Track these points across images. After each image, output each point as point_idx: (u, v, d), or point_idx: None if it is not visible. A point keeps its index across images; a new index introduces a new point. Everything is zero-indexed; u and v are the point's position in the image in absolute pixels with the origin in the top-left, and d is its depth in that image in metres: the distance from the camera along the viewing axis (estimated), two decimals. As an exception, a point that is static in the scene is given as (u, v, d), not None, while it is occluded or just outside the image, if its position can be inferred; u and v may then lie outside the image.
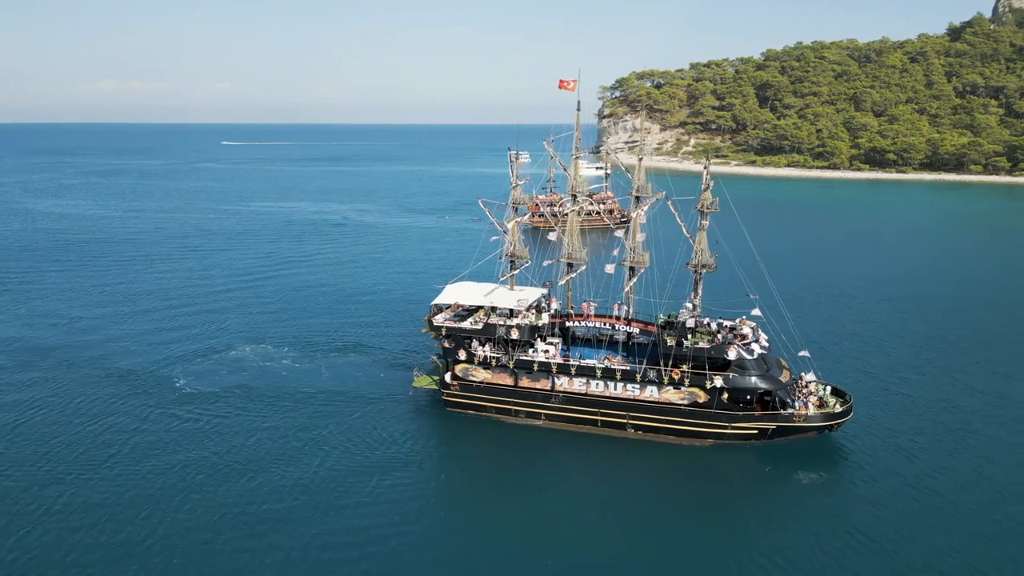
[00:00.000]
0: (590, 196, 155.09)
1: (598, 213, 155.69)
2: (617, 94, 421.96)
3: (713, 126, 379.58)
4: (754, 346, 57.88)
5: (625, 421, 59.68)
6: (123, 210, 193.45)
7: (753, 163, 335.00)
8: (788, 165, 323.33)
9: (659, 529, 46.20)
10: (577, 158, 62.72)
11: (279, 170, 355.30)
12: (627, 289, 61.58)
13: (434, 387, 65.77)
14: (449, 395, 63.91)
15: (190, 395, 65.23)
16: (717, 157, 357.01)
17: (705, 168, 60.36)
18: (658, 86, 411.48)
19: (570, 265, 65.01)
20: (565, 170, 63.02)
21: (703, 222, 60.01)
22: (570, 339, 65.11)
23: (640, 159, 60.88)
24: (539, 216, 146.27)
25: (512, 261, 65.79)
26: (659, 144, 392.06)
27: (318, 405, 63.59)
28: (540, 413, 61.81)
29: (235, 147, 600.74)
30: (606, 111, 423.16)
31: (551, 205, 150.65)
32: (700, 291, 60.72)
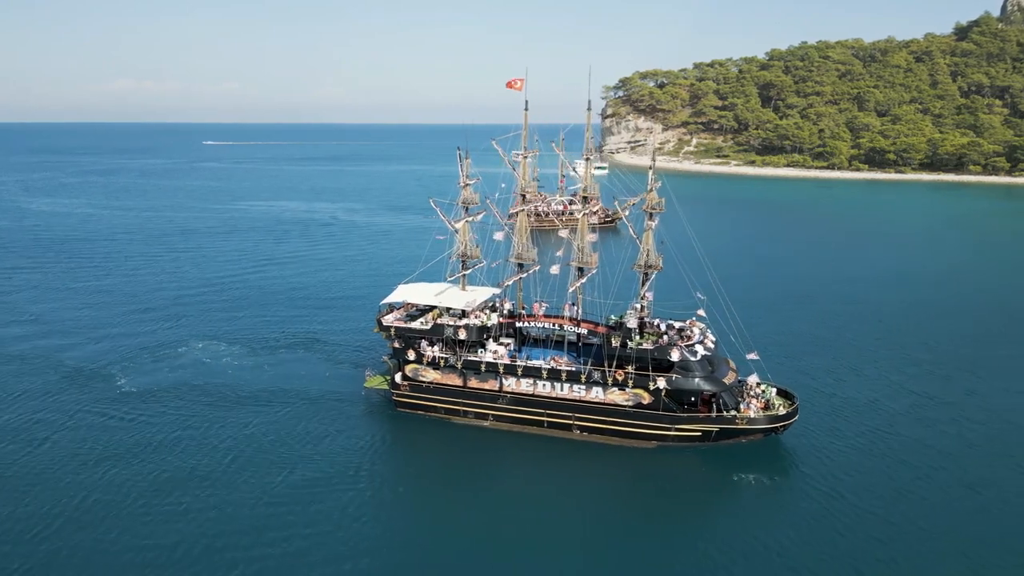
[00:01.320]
0: (573, 196, 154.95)
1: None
2: (620, 94, 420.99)
3: (715, 126, 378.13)
4: (698, 347, 57.38)
5: (571, 422, 59.30)
6: (113, 208, 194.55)
7: (753, 163, 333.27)
8: (787, 165, 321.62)
9: (600, 533, 45.61)
10: (525, 158, 62.33)
11: (279, 169, 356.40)
12: (571, 289, 61.18)
13: (385, 387, 65.49)
14: (399, 395, 63.70)
15: (127, 394, 64.89)
16: (718, 157, 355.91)
17: (651, 169, 59.91)
18: (661, 86, 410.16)
19: (520, 265, 64.70)
20: (513, 170, 62.63)
21: (649, 223, 59.59)
22: (523, 340, 64.85)
23: (587, 159, 60.45)
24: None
25: (463, 261, 65.55)
26: (661, 144, 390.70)
27: (264, 405, 63.24)
28: (488, 414, 61.51)
29: (234, 147, 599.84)
30: (609, 111, 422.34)
31: (534, 205, 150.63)
32: (648, 292, 60.27)
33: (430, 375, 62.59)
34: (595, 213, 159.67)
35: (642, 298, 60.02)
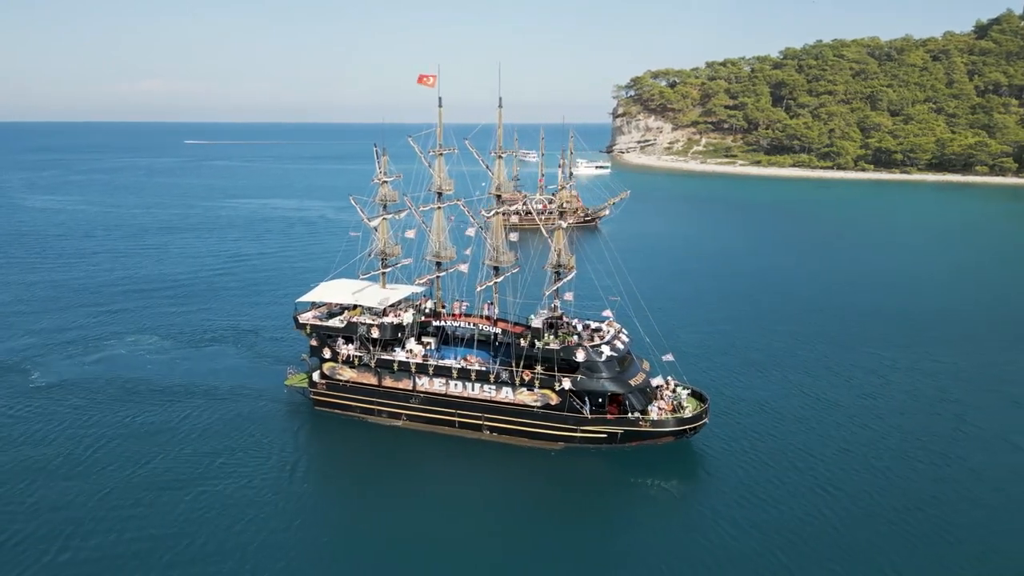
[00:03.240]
0: (552, 195, 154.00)
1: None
2: (631, 93, 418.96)
3: (725, 125, 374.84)
4: (604, 348, 56.33)
5: (480, 423, 58.64)
6: (105, 205, 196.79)
7: (759, 163, 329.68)
8: (793, 165, 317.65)
9: (502, 537, 44.82)
10: (441, 154, 61.82)
11: (281, 168, 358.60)
12: (479, 288, 60.47)
13: (305, 386, 65.24)
14: (317, 394, 63.39)
15: (35, 389, 64.65)
16: (726, 156, 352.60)
17: (560, 168, 59.17)
18: (672, 85, 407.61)
19: (439, 264, 64.15)
20: (429, 167, 62.09)
21: (560, 222, 58.75)
22: (446, 339, 64.06)
23: (500, 157, 59.70)
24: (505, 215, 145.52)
25: (383, 259, 65.11)
26: (670, 144, 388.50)
27: (179, 402, 62.70)
28: (401, 413, 61.05)
29: (229, 146, 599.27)
30: (620, 110, 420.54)
31: (512, 203, 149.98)
32: (560, 292, 59.46)
33: (347, 374, 62.21)
34: (575, 212, 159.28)
35: (555, 298, 59.22)
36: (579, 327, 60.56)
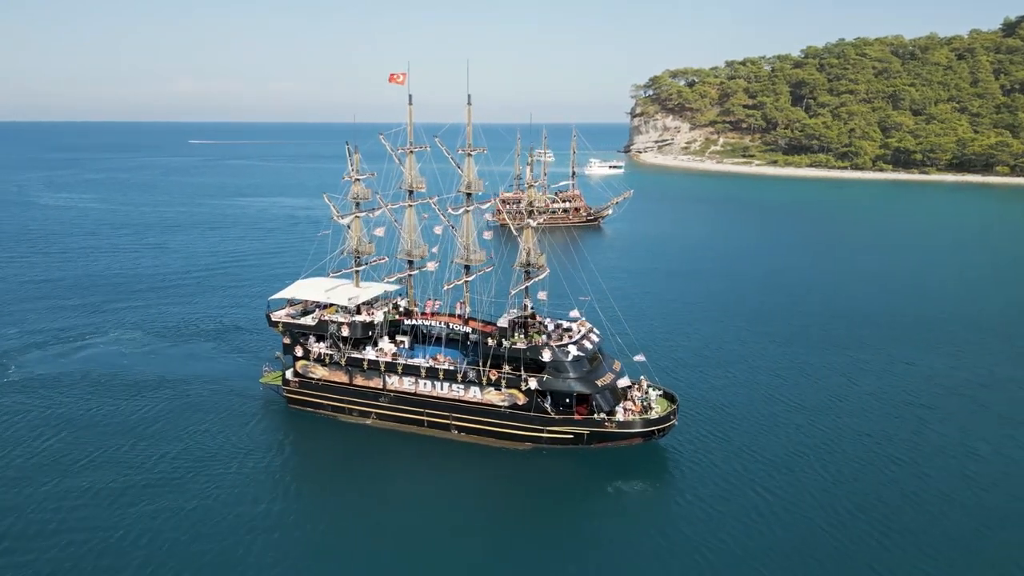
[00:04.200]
0: (556, 194, 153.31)
1: (564, 211, 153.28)
2: (650, 93, 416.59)
3: (743, 125, 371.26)
4: (571, 348, 55.50)
5: (448, 422, 58.13)
6: (116, 203, 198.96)
7: (775, 163, 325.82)
8: (810, 165, 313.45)
9: (468, 538, 44.25)
10: (412, 152, 61.41)
11: (295, 167, 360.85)
12: (446, 288, 59.91)
13: (280, 383, 65.11)
14: (289, 392, 63.25)
15: (7, 384, 65.01)
16: (743, 156, 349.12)
17: (529, 166, 58.47)
18: (691, 84, 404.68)
19: (411, 262, 63.72)
20: (400, 164, 61.68)
21: (528, 221, 58.03)
22: (421, 337, 63.56)
23: (470, 154, 59.13)
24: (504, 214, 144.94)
25: (356, 257, 64.78)
26: (687, 143, 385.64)
27: (157, 399, 62.63)
28: (371, 412, 60.71)
29: (233, 146, 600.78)
30: (638, 110, 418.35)
31: (517, 203, 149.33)
32: (532, 291, 58.79)
33: (319, 372, 61.98)
34: (577, 210, 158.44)
35: (525, 297, 58.54)
36: (550, 327, 59.84)
